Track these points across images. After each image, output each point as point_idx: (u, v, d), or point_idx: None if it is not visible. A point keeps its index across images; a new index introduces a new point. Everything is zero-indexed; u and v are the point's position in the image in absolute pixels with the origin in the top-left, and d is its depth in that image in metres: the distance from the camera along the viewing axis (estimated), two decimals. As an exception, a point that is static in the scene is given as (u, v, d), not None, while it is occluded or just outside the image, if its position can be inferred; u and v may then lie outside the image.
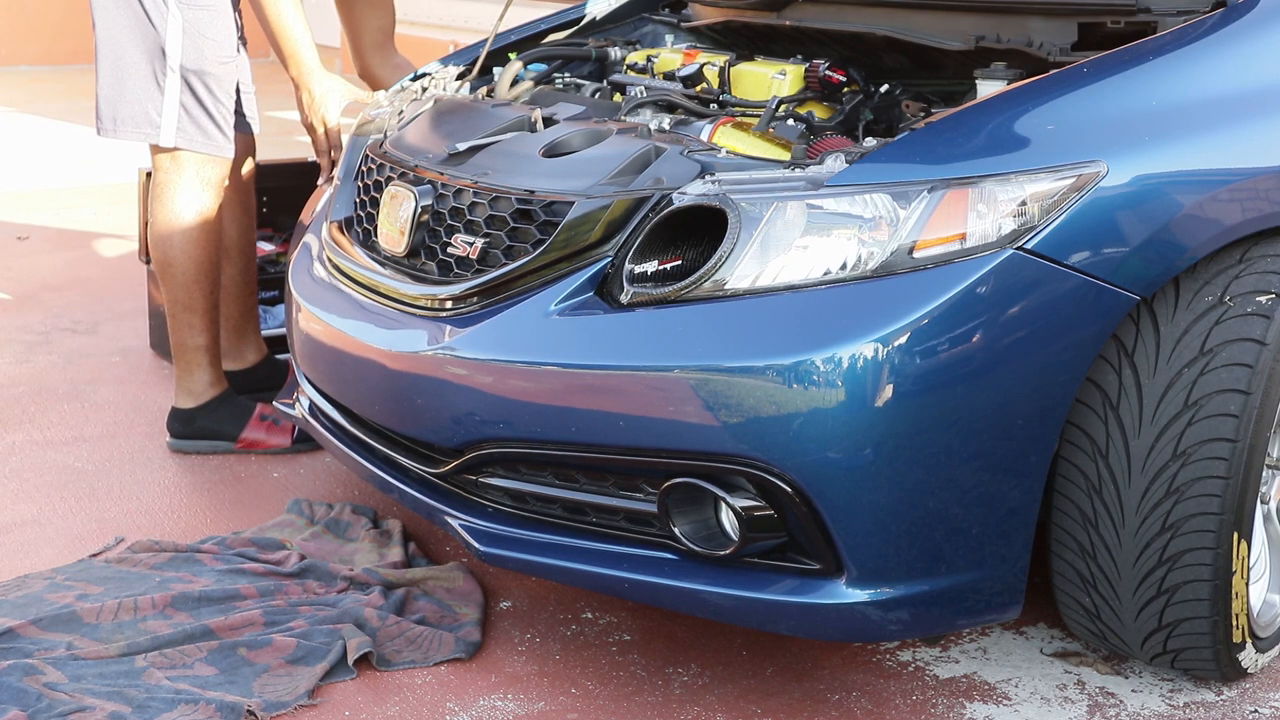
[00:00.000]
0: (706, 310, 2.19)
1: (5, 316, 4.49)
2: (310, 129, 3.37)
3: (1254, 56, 2.42)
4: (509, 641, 2.62)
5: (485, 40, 3.24)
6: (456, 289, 2.44)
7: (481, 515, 2.43)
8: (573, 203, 2.35)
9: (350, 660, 2.49)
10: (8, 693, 2.35)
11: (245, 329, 3.71)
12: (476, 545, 2.40)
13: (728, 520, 2.24)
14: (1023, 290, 2.16)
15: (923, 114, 2.66)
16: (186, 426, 3.43)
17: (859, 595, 2.17)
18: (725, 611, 2.27)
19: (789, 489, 2.13)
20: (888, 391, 2.09)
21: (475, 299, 2.42)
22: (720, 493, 2.18)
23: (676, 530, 2.24)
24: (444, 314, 2.45)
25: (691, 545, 2.24)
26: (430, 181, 2.60)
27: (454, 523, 2.44)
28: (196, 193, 3.32)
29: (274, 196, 4.14)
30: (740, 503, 2.18)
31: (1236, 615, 2.34)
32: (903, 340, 2.09)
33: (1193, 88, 2.36)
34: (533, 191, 2.42)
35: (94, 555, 2.91)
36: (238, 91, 3.41)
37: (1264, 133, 2.37)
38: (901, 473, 2.12)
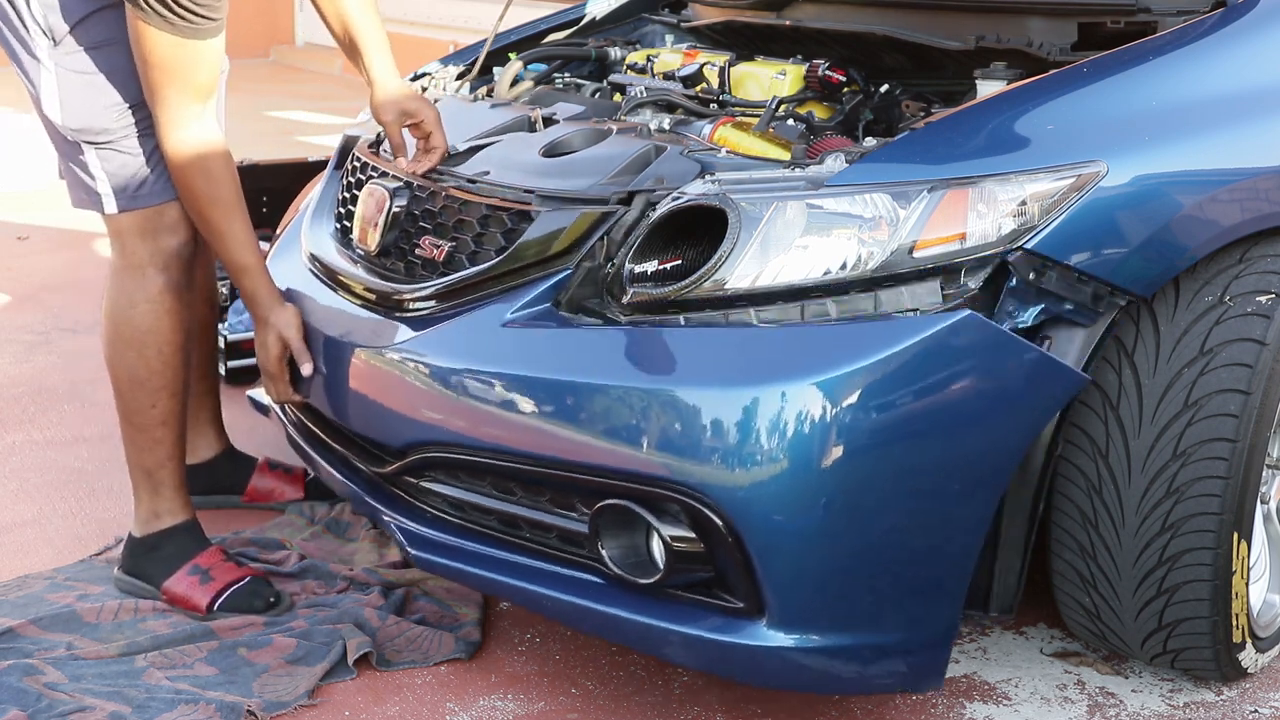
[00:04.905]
0: (657, 334, 2.16)
1: (5, 316, 4.49)
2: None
3: (1253, 56, 2.42)
4: (509, 641, 2.62)
5: (485, 40, 3.24)
6: (418, 290, 2.43)
7: (420, 520, 2.40)
8: (538, 214, 2.33)
9: (350, 660, 2.49)
10: (8, 693, 2.35)
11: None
12: (407, 546, 2.39)
13: (657, 548, 2.17)
14: (1022, 290, 2.16)
15: (923, 114, 2.66)
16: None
17: (779, 639, 2.10)
18: (643, 642, 2.21)
19: (720, 521, 2.07)
20: (831, 432, 2.03)
21: (434, 301, 2.41)
22: (651, 518, 2.12)
23: (604, 553, 2.18)
24: (403, 314, 2.44)
25: (617, 569, 2.17)
26: (406, 181, 2.60)
27: (390, 521, 2.42)
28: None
29: (274, 197, 4.14)
30: (670, 531, 2.12)
31: (1236, 615, 2.34)
32: (855, 382, 2.03)
33: (1192, 88, 2.36)
34: (502, 199, 2.41)
35: (94, 555, 2.92)
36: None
37: (1264, 133, 2.37)
38: (837, 514, 2.05)
